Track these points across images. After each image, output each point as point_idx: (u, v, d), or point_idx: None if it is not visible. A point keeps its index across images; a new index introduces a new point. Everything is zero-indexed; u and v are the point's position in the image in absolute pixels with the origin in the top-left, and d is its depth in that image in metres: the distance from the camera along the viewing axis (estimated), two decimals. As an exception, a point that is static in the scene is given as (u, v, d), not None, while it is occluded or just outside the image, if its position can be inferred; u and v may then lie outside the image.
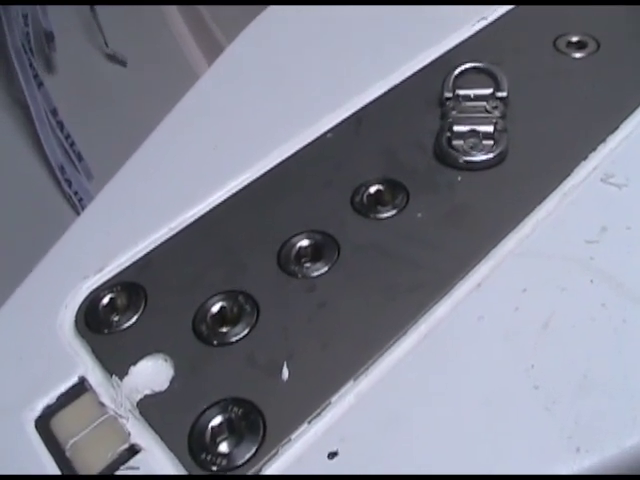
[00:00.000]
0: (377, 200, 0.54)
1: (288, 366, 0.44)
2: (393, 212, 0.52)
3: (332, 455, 0.40)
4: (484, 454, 0.39)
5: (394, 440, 0.40)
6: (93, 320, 0.49)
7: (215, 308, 0.48)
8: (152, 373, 0.45)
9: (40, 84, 1.30)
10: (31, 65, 1.28)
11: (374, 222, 0.52)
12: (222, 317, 0.48)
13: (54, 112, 1.33)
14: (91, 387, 0.45)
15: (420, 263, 0.48)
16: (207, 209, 0.56)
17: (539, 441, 0.39)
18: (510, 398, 0.41)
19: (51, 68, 1.36)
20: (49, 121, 1.32)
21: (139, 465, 0.41)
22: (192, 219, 0.55)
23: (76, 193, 1.31)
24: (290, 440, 0.41)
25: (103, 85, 1.41)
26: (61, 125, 1.34)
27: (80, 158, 1.37)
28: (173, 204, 0.56)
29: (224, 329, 0.47)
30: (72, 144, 1.36)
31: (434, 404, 0.41)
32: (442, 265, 0.48)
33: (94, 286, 0.51)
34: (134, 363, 0.45)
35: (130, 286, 0.50)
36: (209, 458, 0.40)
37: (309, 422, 0.41)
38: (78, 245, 0.55)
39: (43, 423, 0.44)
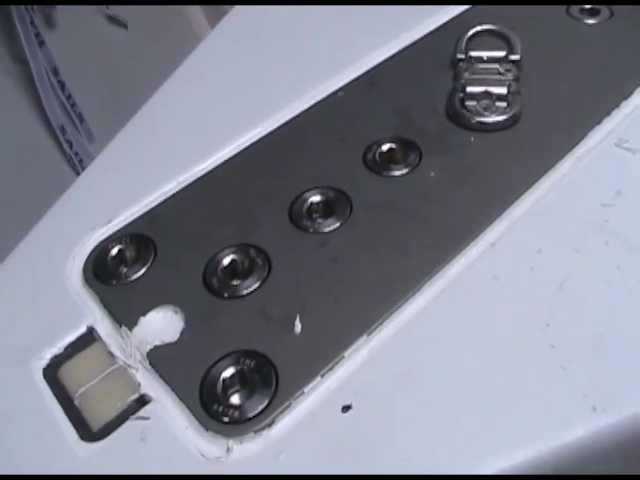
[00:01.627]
0: (389, 158, 0.53)
1: (301, 320, 0.43)
2: (406, 170, 0.52)
3: (346, 409, 0.39)
4: (499, 412, 0.39)
5: (408, 395, 0.40)
6: (101, 271, 0.48)
7: (226, 261, 0.47)
8: (162, 324, 0.44)
9: (41, 43, 1.28)
10: (32, 23, 1.26)
11: (387, 180, 0.51)
12: (233, 270, 0.47)
13: (55, 71, 1.31)
14: (100, 337, 0.45)
15: (434, 221, 0.48)
16: (217, 163, 0.55)
17: (555, 399, 0.39)
18: (526, 356, 0.40)
19: (53, 28, 1.35)
20: (50, 81, 1.30)
21: (149, 415, 0.40)
22: (202, 173, 0.54)
23: (77, 154, 1.30)
24: (303, 393, 0.40)
25: (104, 47, 1.39)
26: (62, 85, 1.33)
27: (81, 119, 1.36)
28: (183, 158, 0.55)
29: (235, 282, 0.46)
30: (73, 105, 1.34)
31: (449, 361, 0.41)
32: (456, 224, 0.48)
33: (102, 237, 0.50)
34: (143, 314, 0.45)
35: (139, 238, 0.50)
36: (221, 409, 0.40)
37: (322, 376, 0.41)
38: (86, 197, 0.54)
39: (51, 372, 0.44)
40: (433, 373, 0.40)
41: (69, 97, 1.33)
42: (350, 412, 0.39)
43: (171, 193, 0.53)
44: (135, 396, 0.41)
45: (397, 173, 0.52)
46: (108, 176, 0.56)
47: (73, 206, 0.54)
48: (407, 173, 0.52)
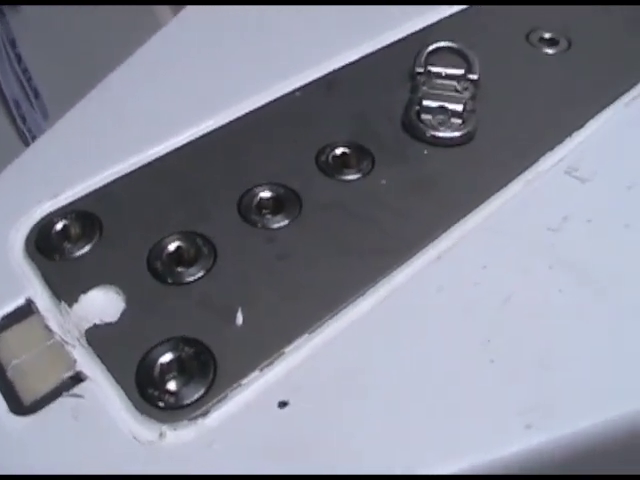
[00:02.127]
0: (342, 162, 0.54)
1: (243, 312, 0.43)
2: (358, 176, 0.52)
3: (282, 404, 0.39)
4: (434, 421, 0.39)
5: (344, 396, 0.40)
6: (44, 245, 0.47)
7: (172, 247, 0.47)
8: (102, 304, 0.44)
9: (2, 14, 1.26)
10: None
11: (338, 183, 0.52)
12: (178, 257, 0.47)
13: (12, 43, 1.29)
14: (38, 311, 0.44)
15: (383, 228, 0.48)
16: (170, 149, 0.54)
17: (490, 414, 0.39)
18: (465, 369, 0.41)
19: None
20: (7, 52, 1.28)
21: (83, 393, 0.40)
22: (154, 157, 0.54)
23: (30, 130, 1.28)
24: (240, 385, 0.40)
25: (65, 23, 1.37)
26: (19, 58, 1.30)
27: (37, 95, 1.34)
28: (135, 140, 0.55)
29: (179, 269, 0.46)
30: (29, 79, 1.32)
31: (388, 365, 0.41)
32: (405, 233, 0.48)
33: (47, 211, 0.49)
34: (84, 292, 0.44)
35: (85, 215, 0.49)
36: (156, 394, 0.39)
37: (261, 370, 0.41)
38: (33, 169, 0.53)
39: (-16, 343, 0.43)
40: (371, 377, 0.41)
41: (25, 71, 1.31)
42: (286, 408, 0.39)
43: (122, 174, 0.52)
44: (70, 373, 0.41)
45: (349, 177, 0.52)
46: (58, 150, 0.55)
47: (20, 177, 0.53)
48: (359, 178, 0.52)
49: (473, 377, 0.40)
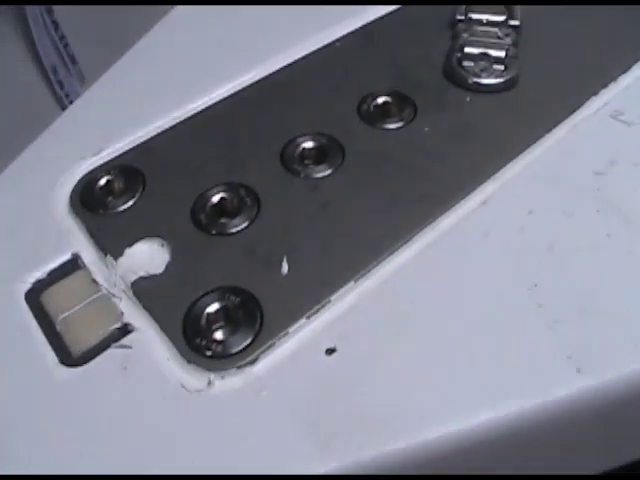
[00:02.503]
0: (384, 111, 0.53)
1: (288, 261, 0.43)
2: (400, 124, 0.52)
3: (330, 351, 0.39)
4: (483, 365, 0.38)
5: (392, 342, 0.39)
6: (89, 200, 0.48)
7: (215, 198, 0.47)
8: (148, 256, 0.44)
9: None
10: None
11: (380, 131, 0.51)
12: (222, 208, 0.47)
13: (49, 11, 1.29)
14: (84, 265, 0.44)
15: (426, 175, 0.47)
16: (211, 103, 0.54)
17: (540, 358, 0.38)
18: (512, 314, 0.40)
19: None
20: (44, 20, 1.28)
21: (131, 344, 0.40)
22: (195, 111, 0.54)
23: (67, 95, 1.28)
24: (288, 333, 0.40)
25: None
26: (56, 25, 1.30)
27: (74, 61, 1.34)
28: (176, 95, 0.55)
29: (223, 220, 0.46)
30: (66, 45, 1.32)
31: (435, 311, 0.41)
32: (449, 179, 0.47)
33: (91, 167, 0.50)
34: (130, 245, 0.44)
35: (128, 170, 0.49)
36: (204, 343, 0.39)
37: (308, 317, 0.40)
38: (76, 126, 0.53)
39: (33, 296, 0.43)
40: (418, 323, 0.40)
41: (62, 37, 1.31)
42: (334, 355, 0.39)
43: (163, 128, 0.52)
44: (118, 325, 0.41)
45: (391, 126, 0.52)
46: (99, 108, 0.55)
47: (62, 136, 0.53)
48: (401, 127, 0.52)
49: (521, 322, 0.40)
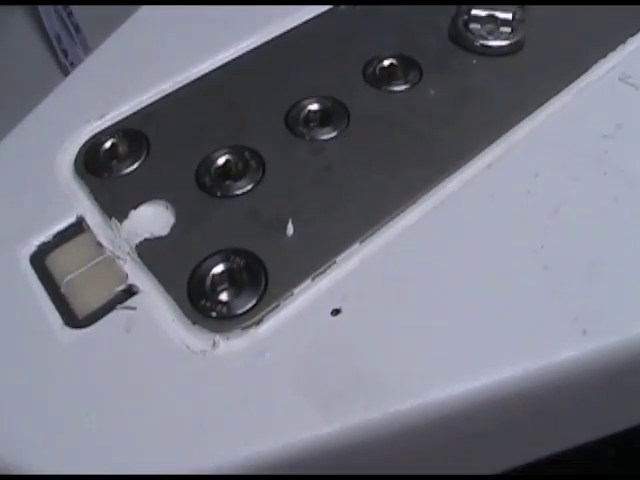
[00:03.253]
0: (390, 74, 0.53)
1: (293, 223, 0.43)
2: (405, 87, 0.51)
3: (335, 312, 0.39)
4: (489, 326, 0.38)
5: (397, 302, 0.39)
6: (93, 164, 0.47)
7: (220, 161, 0.47)
8: (152, 218, 0.44)
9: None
10: None
11: (386, 94, 0.51)
12: (226, 170, 0.46)
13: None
14: (89, 228, 0.44)
15: (432, 138, 0.47)
16: (214, 67, 0.54)
17: (546, 320, 0.38)
18: (518, 275, 0.40)
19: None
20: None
21: (136, 305, 0.40)
22: (199, 75, 0.53)
23: (72, 64, 1.29)
24: (292, 294, 0.40)
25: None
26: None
27: (77, 29, 1.34)
28: (179, 59, 0.54)
29: (228, 182, 0.45)
30: (70, 14, 1.32)
31: (440, 273, 0.40)
32: (453, 142, 0.47)
33: (95, 131, 0.50)
34: (134, 207, 0.44)
35: (132, 133, 0.49)
36: (208, 305, 0.39)
37: (313, 279, 0.40)
38: (79, 91, 0.53)
39: (38, 259, 0.43)
40: (424, 283, 0.40)
41: (66, 6, 1.31)
42: (339, 316, 0.39)
43: (167, 92, 0.52)
44: (122, 286, 0.41)
45: (397, 89, 0.51)
46: (102, 73, 0.55)
47: (66, 100, 0.53)
48: (407, 90, 0.51)
49: (527, 284, 0.40)
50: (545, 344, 0.38)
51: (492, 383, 0.36)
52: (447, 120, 0.48)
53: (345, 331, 0.38)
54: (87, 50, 1.32)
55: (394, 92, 0.51)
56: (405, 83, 0.51)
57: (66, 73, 1.27)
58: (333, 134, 0.48)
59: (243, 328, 0.38)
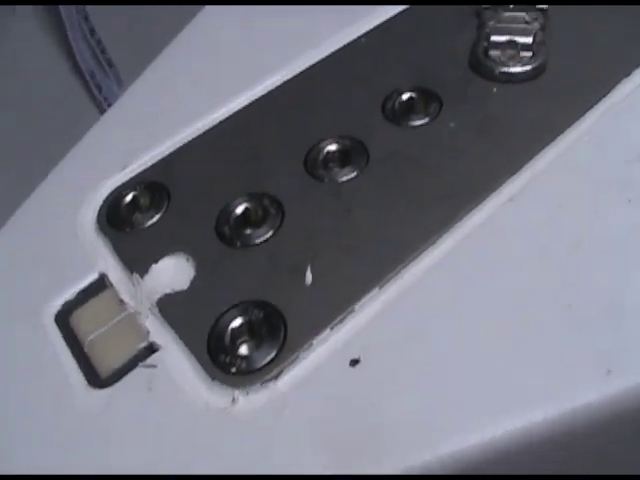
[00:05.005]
0: (409, 108, 0.52)
1: (312, 270, 0.43)
2: (425, 120, 0.51)
3: (354, 362, 0.39)
4: (512, 371, 0.38)
5: (419, 350, 0.39)
6: (115, 218, 0.48)
7: (239, 209, 0.47)
8: (173, 272, 0.44)
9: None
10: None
11: (406, 130, 0.50)
12: (246, 219, 0.47)
13: (86, 17, 1.31)
14: (111, 284, 0.44)
15: (452, 173, 0.47)
16: (233, 111, 0.54)
17: (569, 360, 0.38)
18: (542, 314, 0.39)
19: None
20: (81, 26, 1.30)
21: (157, 363, 0.40)
22: (217, 121, 0.54)
23: (106, 99, 1.31)
24: (311, 345, 0.40)
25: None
26: (92, 31, 1.32)
27: (110, 64, 1.36)
28: (199, 105, 0.55)
29: (247, 231, 0.46)
30: (103, 50, 1.34)
31: (463, 316, 0.40)
32: (475, 176, 0.47)
33: (116, 184, 0.50)
34: (155, 261, 0.44)
35: (153, 185, 0.49)
36: (228, 360, 0.39)
37: (332, 328, 0.40)
38: (100, 144, 0.54)
39: (62, 319, 0.44)
40: (446, 329, 0.40)
41: (99, 42, 1.33)
42: (358, 366, 0.39)
43: (186, 140, 0.52)
44: (144, 344, 0.41)
45: (416, 123, 0.51)
46: (123, 123, 0.55)
47: (88, 152, 0.53)
48: (426, 123, 0.51)
49: (551, 323, 0.39)
50: (570, 385, 0.37)
51: (514, 431, 0.36)
52: (468, 153, 0.48)
53: (364, 383, 0.38)
54: (120, 84, 1.34)
55: (414, 127, 0.50)
56: (425, 117, 0.51)
57: (101, 108, 1.29)
58: (353, 174, 0.48)
59: (262, 383, 0.38)
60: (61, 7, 1.26)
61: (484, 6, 0.58)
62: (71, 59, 1.30)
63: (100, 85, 1.31)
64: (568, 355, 0.38)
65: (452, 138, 0.49)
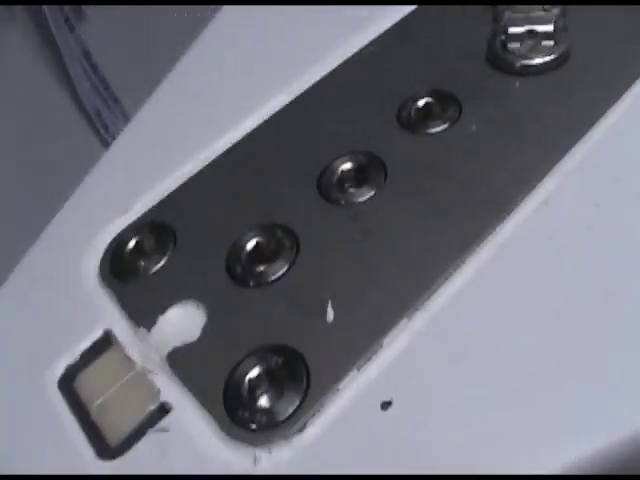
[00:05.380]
0: (426, 114, 0.49)
1: (333, 306, 0.39)
2: (445, 126, 0.47)
3: (386, 405, 0.35)
4: (563, 398, 0.34)
5: (456, 385, 0.35)
6: (119, 267, 0.45)
7: (250, 245, 0.43)
8: (182, 322, 0.41)
9: (72, 28, 1.26)
10: (61, 9, 1.24)
11: (424, 138, 0.47)
12: (258, 254, 0.43)
13: (87, 56, 1.30)
14: (117, 341, 0.41)
15: (477, 181, 0.43)
16: (238, 138, 0.51)
17: (619, 381, 0.34)
18: (588, 331, 0.35)
19: (81, 15, 1.32)
20: (82, 65, 1.29)
21: (169, 426, 0.37)
22: (221, 151, 0.50)
23: (113, 137, 1.29)
24: (337, 390, 0.36)
25: (135, 26, 1.36)
26: (94, 68, 1.31)
27: (116, 101, 1.34)
28: (201, 135, 0.51)
29: (260, 267, 0.42)
30: (107, 87, 1.33)
31: (502, 341, 0.36)
32: (503, 182, 0.43)
33: (118, 230, 0.47)
34: (162, 312, 0.41)
35: (157, 226, 0.46)
36: (247, 415, 0.36)
37: (358, 369, 0.37)
38: (101, 187, 0.51)
39: (66, 383, 0.41)
40: (484, 357, 0.36)
41: (102, 80, 1.31)
42: (390, 409, 0.35)
43: (190, 174, 0.49)
44: (155, 405, 0.38)
45: (435, 130, 0.47)
46: (122, 164, 0.52)
47: (89, 197, 0.50)
48: (446, 129, 0.47)
49: (602, 339, 0.35)
50: (620, 410, 0.33)
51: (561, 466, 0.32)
52: (493, 158, 0.44)
53: (398, 427, 0.34)
54: (127, 120, 1.33)
55: (433, 134, 0.47)
56: (444, 122, 0.47)
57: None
58: (370, 194, 0.44)
59: (286, 437, 0.35)
60: (61, 47, 1.24)
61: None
62: (75, 99, 1.28)
63: (107, 124, 1.30)
64: (625, 373, 0.34)
65: (475, 142, 0.45)
